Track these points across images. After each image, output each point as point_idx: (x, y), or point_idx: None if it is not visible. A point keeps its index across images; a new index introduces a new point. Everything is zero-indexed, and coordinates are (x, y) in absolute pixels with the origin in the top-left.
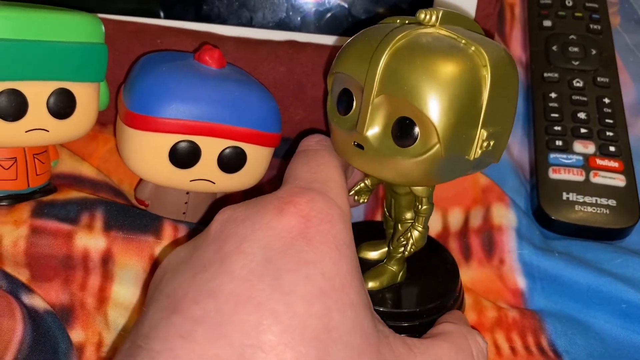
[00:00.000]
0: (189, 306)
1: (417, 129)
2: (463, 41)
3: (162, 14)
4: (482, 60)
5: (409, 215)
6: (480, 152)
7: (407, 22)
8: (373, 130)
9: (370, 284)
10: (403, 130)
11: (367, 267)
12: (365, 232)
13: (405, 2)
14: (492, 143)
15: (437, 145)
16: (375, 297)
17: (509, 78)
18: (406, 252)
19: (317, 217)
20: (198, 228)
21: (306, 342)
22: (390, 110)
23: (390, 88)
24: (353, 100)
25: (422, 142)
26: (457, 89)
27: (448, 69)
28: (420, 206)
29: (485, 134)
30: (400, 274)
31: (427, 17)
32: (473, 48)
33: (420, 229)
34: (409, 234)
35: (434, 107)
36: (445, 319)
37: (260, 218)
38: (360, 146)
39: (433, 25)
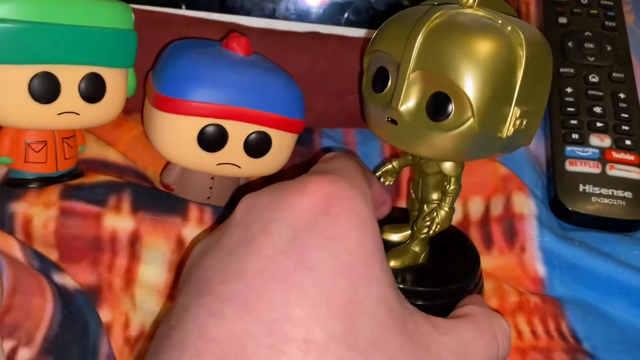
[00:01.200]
0: (217, 287)
1: (451, 104)
2: (500, 21)
3: (186, 5)
4: (517, 40)
5: (435, 195)
6: (512, 130)
7: (445, 3)
8: (407, 105)
9: (392, 263)
10: (438, 104)
11: (389, 249)
12: (388, 216)
13: None
14: (524, 122)
15: (471, 120)
16: (397, 275)
17: (543, 59)
18: (430, 232)
19: (340, 195)
20: (223, 211)
21: (333, 315)
22: (425, 85)
23: (426, 63)
24: (388, 78)
25: (456, 116)
26: (493, 65)
27: (484, 46)
28: (448, 186)
29: (518, 112)
30: (423, 255)
31: None
32: (510, 28)
33: (446, 208)
34: (435, 213)
35: (470, 82)
36: (468, 301)
37: (284, 199)
38: (394, 122)
39: (471, 7)
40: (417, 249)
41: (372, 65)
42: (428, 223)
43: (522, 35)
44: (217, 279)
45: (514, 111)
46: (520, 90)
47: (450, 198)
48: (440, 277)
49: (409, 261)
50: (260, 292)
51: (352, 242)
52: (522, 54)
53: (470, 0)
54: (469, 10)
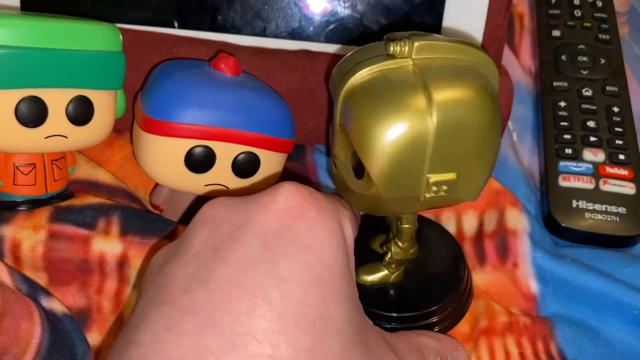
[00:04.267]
0: (179, 295)
1: (364, 166)
2: (422, 84)
3: (177, 24)
4: (430, 111)
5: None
6: (430, 195)
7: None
8: (341, 154)
9: (363, 277)
10: (356, 163)
11: (370, 258)
12: (369, 221)
13: (416, 12)
14: (444, 188)
15: (374, 187)
16: (367, 292)
17: (467, 125)
18: (384, 262)
19: (317, 203)
20: None
21: (301, 330)
22: (349, 140)
23: (344, 123)
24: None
25: (366, 179)
26: (398, 140)
27: (389, 122)
28: (400, 224)
29: (432, 180)
30: (393, 276)
31: (398, 49)
32: (426, 93)
33: (399, 244)
34: (390, 246)
35: (368, 153)
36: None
37: (256, 203)
38: (335, 164)
39: (406, 57)
40: (387, 270)
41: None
42: (385, 252)
43: (434, 104)
44: (178, 286)
45: (427, 179)
46: (432, 160)
47: (403, 235)
48: (402, 301)
49: (379, 279)
50: (224, 303)
51: (326, 255)
52: (433, 123)
53: (404, 50)
54: (402, 62)
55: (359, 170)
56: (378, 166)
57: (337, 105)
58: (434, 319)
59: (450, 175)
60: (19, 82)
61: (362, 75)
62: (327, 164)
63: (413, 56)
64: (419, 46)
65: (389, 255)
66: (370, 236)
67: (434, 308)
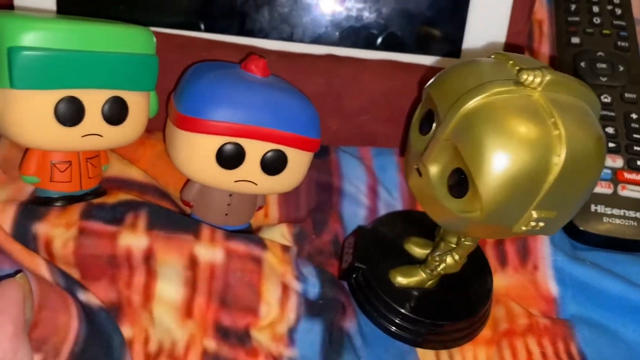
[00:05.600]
0: None
1: (468, 188)
2: (552, 120)
3: (206, 28)
4: (558, 149)
5: (453, 239)
6: (525, 229)
7: (516, 69)
8: (434, 167)
9: (399, 279)
10: (456, 181)
11: (407, 261)
12: (422, 224)
13: (439, 18)
14: (541, 225)
15: (478, 212)
16: (402, 295)
17: (587, 169)
18: (435, 272)
19: None
20: (233, 232)
21: None
22: (453, 156)
23: (459, 140)
24: (433, 124)
25: (468, 200)
26: (518, 171)
27: (514, 150)
28: (463, 240)
29: (534, 216)
30: (430, 282)
31: (530, 79)
32: (557, 132)
33: (456, 258)
34: (445, 257)
35: (487, 180)
36: None
37: None
38: (419, 172)
39: (535, 88)
40: (425, 275)
41: (425, 103)
42: (437, 263)
43: (565, 145)
44: None
45: (530, 214)
46: (544, 197)
47: (463, 250)
48: (437, 309)
49: (414, 284)
50: None
51: None
52: (559, 164)
53: (536, 81)
54: (531, 93)
55: (457, 189)
56: (492, 193)
57: (447, 119)
58: (466, 329)
59: (552, 214)
60: (58, 83)
61: (487, 95)
62: (401, 165)
63: (540, 89)
64: (550, 80)
65: (441, 267)
66: (404, 237)
67: (469, 319)
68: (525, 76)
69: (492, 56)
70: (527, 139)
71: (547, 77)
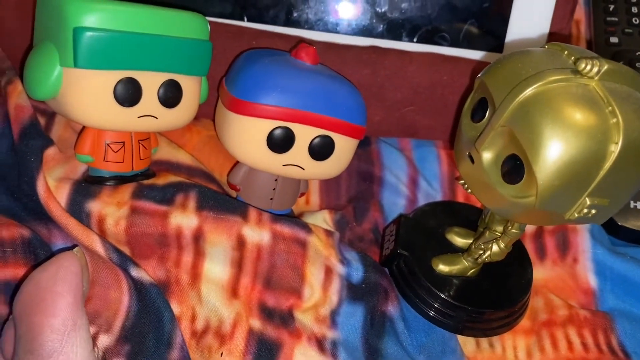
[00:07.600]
0: None
1: (523, 174)
2: (609, 108)
3: (254, 19)
4: (616, 136)
5: (499, 228)
6: (577, 215)
7: (572, 58)
8: (488, 153)
9: (441, 266)
10: (511, 167)
11: (448, 250)
12: (463, 215)
13: (483, 14)
14: (593, 212)
15: (533, 197)
16: (444, 282)
17: None
18: (479, 260)
19: None
20: (279, 216)
21: None
22: (508, 142)
23: (516, 125)
24: (487, 112)
25: (522, 186)
26: (575, 157)
27: (572, 137)
28: (511, 227)
29: (588, 203)
30: (472, 271)
31: (588, 67)
32: (614, 120)
33: (502, 246)
34: (490, 245)
35: (544, 166)
36: None
37: None
38: (472, 159)
39: (591, 78)
40: (467, 263)
41: (478, 92)
42: (481, 252)
43: (622, 132)
44: None
45: (583, 201)
46: (599, 184)
47: (509, 239)
48: (479, 297)
49: (456, 272)
50: None
51: None
52: (615, 151)
53: (594, 70)
54: (587, 82)
55: (512, 175)
56: (549, 179)
57: (503, 106)
58: (506, 318)
59: (605, 201)
60: (119, 64)
61: (544, 83)
62: (441, 156)
63: (597, 78)
64: (607, 69)
65: (486, 254)
66: (445, 227)
67: (510, 308)
68: (583, 65)
69: (546, 46)
70: (584, 126)
71: (605, 66)
